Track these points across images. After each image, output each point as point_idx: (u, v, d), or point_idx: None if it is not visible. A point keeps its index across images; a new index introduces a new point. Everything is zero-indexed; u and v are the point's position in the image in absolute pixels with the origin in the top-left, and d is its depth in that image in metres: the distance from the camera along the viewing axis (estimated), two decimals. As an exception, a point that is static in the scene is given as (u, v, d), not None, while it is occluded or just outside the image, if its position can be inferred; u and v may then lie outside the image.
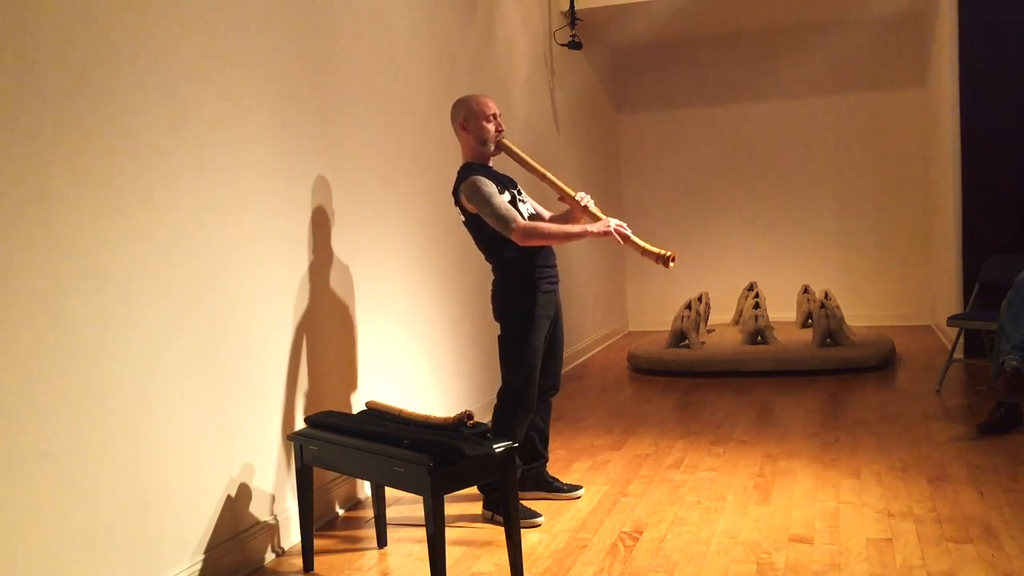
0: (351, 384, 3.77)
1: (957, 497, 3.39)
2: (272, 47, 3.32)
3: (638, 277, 8.44)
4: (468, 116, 3.46)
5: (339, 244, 3.71)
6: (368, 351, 3.90)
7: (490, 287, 3.54)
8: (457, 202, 3.45)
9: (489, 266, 3.54)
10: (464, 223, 3.49)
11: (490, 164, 3.52)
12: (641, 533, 3.22)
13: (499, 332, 3.50)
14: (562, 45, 6.58)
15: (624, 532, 3.25)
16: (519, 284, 3.43)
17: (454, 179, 3.47)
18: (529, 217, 3.48)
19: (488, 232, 3.40)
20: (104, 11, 2.55)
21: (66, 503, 2.37)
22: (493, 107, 3.49)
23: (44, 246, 2.34)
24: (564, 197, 3.54)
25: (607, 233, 3.40)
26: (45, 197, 2.34)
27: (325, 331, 3.60)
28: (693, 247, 8.30)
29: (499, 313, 3.50)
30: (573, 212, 3.59)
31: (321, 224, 3.60)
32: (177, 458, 2.78)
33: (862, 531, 3.11)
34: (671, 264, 3.38)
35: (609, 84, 8.26)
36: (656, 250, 3.39)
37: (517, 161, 3.54)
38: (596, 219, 3.48)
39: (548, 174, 3.54)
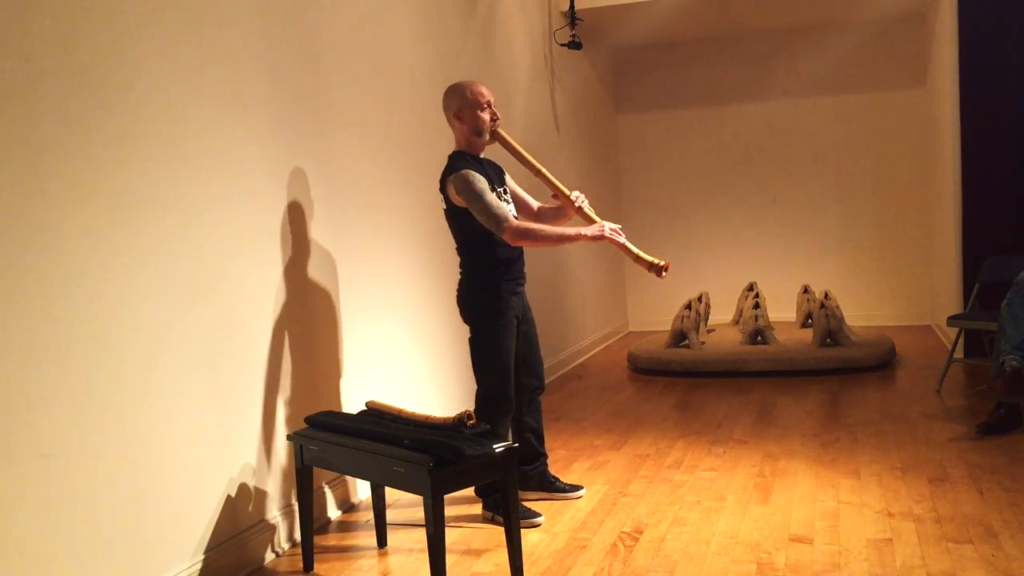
0: (351, 384, 3.77)
1: (957, 497, 3.39)
2: (271, 47, 3.32)
3: (638, 277, 8.43)
4: (462, 105, 3.36)
5: (339, 243, 3.71)
6: (368, 351, 3.90)
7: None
8: (443, 189, 3.37)
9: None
10: (445, 212, 3.41)
11: (482, 155, 3.44)
12: (641, 533, 3.22)
13: (469, 335, 3.45)
14: (562, 45, 6.58)
15: (624, 532, 3.25)
16: (487, 285, 3.37)
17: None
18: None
19: (468, 228, 3.33)
20: (103, 11, 2.55)
21: (66, 503, 2.37)
22: (488, 95, 3.38)
23: (43, 246, 2.34)
24: (558, 195, 3.47)
25: (601, 237, 3.32)
26: (44, 197, 2.34)
27: (325, 331, 3.60)
28: (693, 247, 8.31)
29: (467, 315, 3.44)
30: (565, 210, 3.53)
31: (321, 223, 3.60)
32: (177, 458, 2.78)
33: (862, 531, 3.11)
34: (663, 274, 3.36)
35: (609, 84, 8.26)
36: (649, 258, 3.36)
37: (512, 153, 3.47)
38: (590, 221, 3.42)
39: (543, 169, 3.46)
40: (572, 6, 6.53)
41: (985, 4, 5.73)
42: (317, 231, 3.57)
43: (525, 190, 3.68)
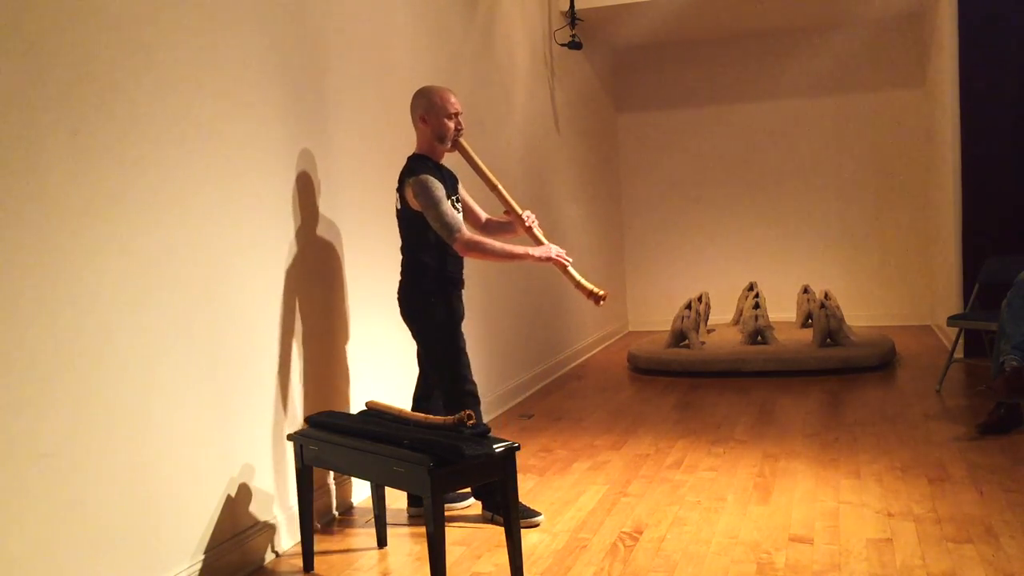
0: (351, 384, 3.77)
1: (957, 497, 3.39)
2: (273, 48, 3.32)
3: (638, 277, 8.44)
4: (429, 110, 3.39)
5: (339, 244, 3.72)
6: (368, 350, 3.91)
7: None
8: (400, 190, 3.39)
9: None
10: (397, 212, 3.44)
11: (441, 161, 3.46)
12: (641, 533, 3.23)
13: (419, 346, 3.48)
14: (562, 45, 6.58)
15: (624, 532, 3.25)
16: (434, 290, 3.39)
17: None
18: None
19: (418, 231, 3.35)
20: (106, 10, 2.55)
21: (66, 503, 2.37)
22: (456, 104, 3.42)
23: (44, 247, 2.33)
24: (510, 211, 3.54)
25: (547, 259, 3.41)
26: (46, 198, 2.34)
27: (325, 331, 3.60)
28: (693, 247, 8.31)
29: (412, 318, 3.45)
30: (513, 226, 3.57)
31: (320, 225, 3.60)
32: (177, 458, 2.78)
33: (862, 531, 3.11)
34: (600, 303, 3.49)
35: (609, 84, 8.26)
36: (589, 286, 3.47)
37: (470, 165, 3.52)
38: (538, 242, 3.47)
39: (499, 185, 3.54)
40: (572, 6, 6.53)
41: (984, 4, 5.73)
42: (317, 232, 3.57)
43: (478, 202, 3.71)
